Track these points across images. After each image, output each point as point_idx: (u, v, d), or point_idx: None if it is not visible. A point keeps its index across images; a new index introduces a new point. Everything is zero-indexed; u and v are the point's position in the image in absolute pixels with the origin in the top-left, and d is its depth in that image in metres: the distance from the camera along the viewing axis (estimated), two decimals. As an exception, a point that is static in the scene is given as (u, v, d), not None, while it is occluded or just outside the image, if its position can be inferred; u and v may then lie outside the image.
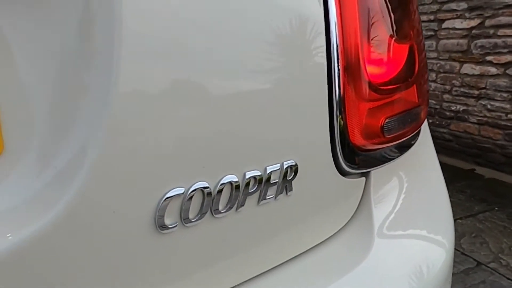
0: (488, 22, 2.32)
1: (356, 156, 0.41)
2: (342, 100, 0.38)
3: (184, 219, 0.29)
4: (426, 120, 0.55)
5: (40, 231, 0.24)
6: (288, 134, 0.34)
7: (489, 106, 2.38)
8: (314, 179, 0.37)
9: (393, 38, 0.42)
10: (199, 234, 0.31)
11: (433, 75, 2.73)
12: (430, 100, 2.77)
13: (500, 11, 2.24)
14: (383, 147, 0.43)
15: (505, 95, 2.28)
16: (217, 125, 0.30)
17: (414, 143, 0.49)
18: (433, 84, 2.75)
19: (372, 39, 0.40)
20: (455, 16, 2.51)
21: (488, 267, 1.43)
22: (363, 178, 0.44)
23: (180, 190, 0.29)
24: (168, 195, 0.28)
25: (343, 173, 0.40)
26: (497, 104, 2.33)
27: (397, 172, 0.50)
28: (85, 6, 0.25)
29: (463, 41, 2.48)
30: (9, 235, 0.24)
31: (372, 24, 0.40)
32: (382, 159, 0.44)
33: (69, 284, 0.26)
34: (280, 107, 0.33)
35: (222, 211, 0.31)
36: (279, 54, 0.33)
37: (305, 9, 0.35)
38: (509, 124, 2.27)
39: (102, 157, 0.25)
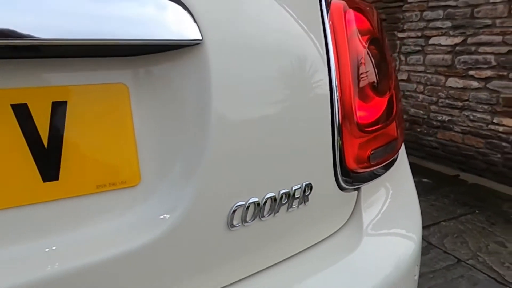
0: (470, 40, 2.52)
1: (350, 176, 0.58)
2: (341, 138, 0.56)
3: (244, 221, 0.47)
4: (403, 144, 0.73)
5: (163, 233, 0.42)
6: (308, 164, 0.52)
7: (471, 117, 2.58)
8: (322, 193, 0.55)
9: (376, 93, 0.60)
10: (251, 231, 0.48)
11: (421, 87, 2.93)
12: (418, 111, 2.97)
13: (481, 30, 2.45)
14: (370, 170, 0.61)
15: (485, 107, 2.48)
16: (265, 162, 0.47)
17: (393, 164, 0.67)
18: (421, 96, 2.95)
19: (361, 94, 0.58)
20: (440, 34, 2.72)
21: (467, 263, 1.61)
22: (356, 192, 0.62)
23: (242, 203, 0.46)
24: (236, 205, 0.45)
25: (341, 188, 0.58)
26: (478, 115, 2.53)
27: (380, 185, 0.67)
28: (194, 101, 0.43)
29: (448, 57, 2.68)
30: (144, 236, 0.41)
31: (361, 83, 0.58)
32: (369, 178, 0.62)
33: (179, 271, 0.43)
34: (302, 147, 0.51)
35: (266, 216, 0.49)
36: (299, 114, 0.50)
37: (318, 79, 0.52)
38: (489, 134, 2.47)
39: (201, 188, 0.43)
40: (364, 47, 0.58)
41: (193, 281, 0.45)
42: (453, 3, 2.60)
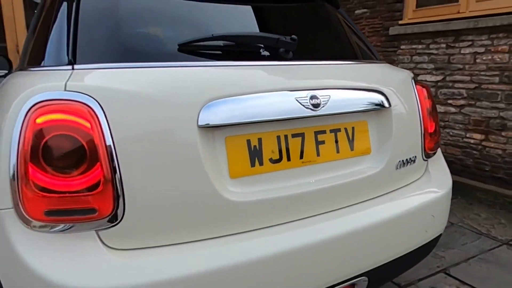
0: (448, 78, 3.54)
1: (426, 155, 1.49)
2: (424, 140, 1.46)
3: (397, 168, 1.37)
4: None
5: (378, 171, 1.31)
6: (414, 150, 1.42)
7: (451, 133, 3.57)
8: (418, 160, 1.45)
9: (433, 122, 1.51)
10: (400, 172, 1.38)
11: (413, 111, 3.93)
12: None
13: (455, 71, 3.47)
14: (433, 152, 1.52)
15: (461, 126, 3.48)
16: (407, 145, 1.38)
17: (437, 151, 1.58)
18: (412, 118, 3.94)
19: (429, 123, 1.49)
20: (426, 73, 3.73)
21: (457, 224, 2.54)
22: (427, 161, 1.53)
23: (401, 159, 1.36)
24: (399, 161, 1.35)
25: (423, 159, 1.48)
26: (456, 131, 3.52)
27: (435, 159, 1.58)
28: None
29: (432, 90, 3.69)
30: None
31: (429, 120, 1.49)
32: (432, 155, 1.53)
33: (376, 187, 1.33)
34: (416, 142, 1.42)
35: (405, 166, 1.39)
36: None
37: (415, 118, 1.44)
38: (464, 145, 3.46)
39: (391, 155, 1.32)
40: (430, 105, 1.50)
41: (376, 191, 1.34)
42: (435, 52, 3.63)
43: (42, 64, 1.12)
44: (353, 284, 1.24)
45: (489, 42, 3.19)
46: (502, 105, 3.14)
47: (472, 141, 3.39)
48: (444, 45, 3.54)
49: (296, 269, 1.06)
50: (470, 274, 1.97)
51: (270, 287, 1.02)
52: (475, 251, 2.21)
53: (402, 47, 3.93)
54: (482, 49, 3.24)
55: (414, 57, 3.83)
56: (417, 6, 3.84)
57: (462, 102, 3.44)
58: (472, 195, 3.08)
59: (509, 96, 3.08)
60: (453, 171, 3.70)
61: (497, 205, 2.88)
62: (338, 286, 1.18)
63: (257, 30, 1.30)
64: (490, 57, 3.19)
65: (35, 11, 1.67)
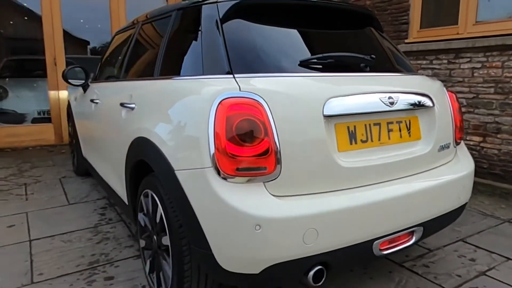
0: (450, 90, 4.11)
1: (456, 143, 2.01)
2: (454, 131, 1.98)
3: (439, 151, 1.88)
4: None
5: (425, 153, 1.82)
6: (448, 137, 1.95)
7: (453, 136, 4.13)
8: (451, 146, 1.97)
9: (460, 117, 2.04)
10: (439, 154, 1.90)
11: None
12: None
13: (456, 84, 4.05)
14: (460, 140, 2.05)
15: (461, 130, 4.04)
16: (444, 133, 1.91)
17: (462, 139, 2.11)
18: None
19: (459, 119, 2.02)
20: (430, 85, 4.30)
21: (466, 209, 3.07)
22: (456, 148, 2.05)
23: (442, 144, 1.88)
24: (440, 146, 1.87)
25: (454, 146, 2.00)
26: (457, 135, 4.09)
27: (461, 146, 2.11)
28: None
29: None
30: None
31: (458, 116, 2.02)
32: (459, 143, 2.05)
33: (425, 163, 1.85)
34: (450, 132, 1.94)
35: (443, 149, 1.91)
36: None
37: (449, 115, 1.97)
38: (465, 146, 4.02)
39: (435, 141, 1.85)
40: (457, 106, 2.03)
41: (426, 166, 1.85)
42: (438, 67, 4.21)
43: (201, 74, 1.61)
44: (412, 232, 1.74)
45: (484, 59, 3.78)
46: (497, 112, 3.72)
47: (471, 143, 3.96)
48: (445, 61, 4.13)
49: (390, 213, 1.56)
50: (482, 242, 2.49)
51: (370, 223, 1.52)
52: (484, 226, 2.74)
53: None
54: (479, 65, 3.84)
55: (419, 71, 4.40)
56: (421, 27, 4.44)
57: (462, 110, 4.01)
58: (474, 188, 3.60)
59: (503, 104, 3.66)
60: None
61: (496, 195, 3.43)
62: (404, 232, 1.67)
63: (342, 50, 1.81)
64: (486, 72, 3.78)
65: (155, 32, 2.16)
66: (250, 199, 1.36)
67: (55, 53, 5.32)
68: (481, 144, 3.88)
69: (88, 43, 6.79)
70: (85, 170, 3.78)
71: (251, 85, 1.45)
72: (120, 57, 2.65)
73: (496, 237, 2.57)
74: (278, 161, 1.39)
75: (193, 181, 1.42)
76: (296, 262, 1.39)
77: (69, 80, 3.10)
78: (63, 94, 5.47)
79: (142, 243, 1.96)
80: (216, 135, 1.37)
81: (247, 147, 1.37)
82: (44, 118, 5.89)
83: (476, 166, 3.73)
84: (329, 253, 1.45)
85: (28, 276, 2.07)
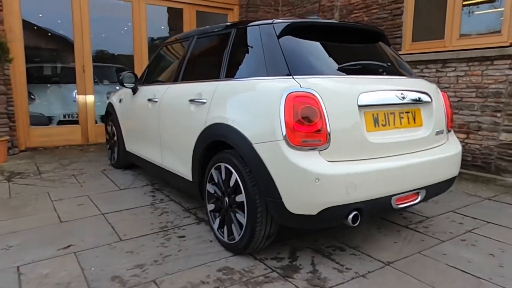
0: (438, 94, 4.80)
1: (448, 130, 2.66)
2: (446, 121, 2.63)
3: (436, 134, 2.52)
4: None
5: (426, 135, 2.46)
6: (441, 125, 2.59)
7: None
8: (444, 132, 2.61)
9: (451, 112, 2.69)
10: (436, 137, 2.53)
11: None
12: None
13: (443, 89, 4.74)
14: (451, 129, 2.69)
15: (448, 128, 4.72)
16: (439, 123, 2.55)
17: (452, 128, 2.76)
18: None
19: (450, 113, 2.66)
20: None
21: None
22: (447, 135, 2.69)
23: (438, 130, 2.51)
24: (436, 132, 2.51)
25: (447, 132, 2.65)
26: (445, 133, 4.77)
27: (450, 134, 2.75)
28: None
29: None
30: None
31: (450, 111, 2.66)
32: (450, 131, 2.70)
33: (426, 143, 2.49)
34: (443, 122, 2.59)
35: (439, 134, 2.54)
36: (442, 115, 2.60)
37: (442, 111, 2.62)
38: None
39: (432, 129, 2.49)
40: (448, 102, 2.68)
41: (428, 145, 2.48)
42: (427, 74, 4.90)
43: (265, 75, 2.22)
44: (418, 193, 2.35)
45: (467, 68, 4.49)
46: (478, 113, 4.42)
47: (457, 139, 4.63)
48: (434, 70, 4.83)
49: (402, 177, 2.18)
50: (468, 212, 3.14)
51: (394, 183, 2.13)
52: (469, 202, 3.39)
53: (402, 71, 5.19)
54: (462, 73, 4.54)
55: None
56: (412, 41, 5.14)
57: (449, 111, 4.70)
58: (460, 177, 4.28)
59: (483, 106, 4.36)
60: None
61: (478, 182, 4.10)
62: (412, 192, 2.29)
63: (364, 59, 2.44)
64: (468, 79, 4.48)
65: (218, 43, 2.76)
66: (311, 162, 1.97)
67: (83, 61, 5.86)
68: (465, 140, 4.57)
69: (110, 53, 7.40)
70: (125, 163, 4.32)
71: (308, 83, 2.06)
72: (175, 64, 3.24)
73: (479, 209, 3.22)
74: (328, 135, 2.00)
75: (269, 151, 2.02)
76: (341, 207, 2.00)
77: (125, 84, 3.66)
78: (90, 98, 6.00)
79: (210, 207, 2.54)
80: (286, 117, 1.97)
81: (308, 125, 1.98)
82: (68, 120, 6.38)
83: (461, 158, 4.41)
84: (362, 202, 2.05)
85: (115, 236, 2.62)
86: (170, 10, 7.11)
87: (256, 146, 2.08)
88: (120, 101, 4.22)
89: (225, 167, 2.33)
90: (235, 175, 2.24)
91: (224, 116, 2.34)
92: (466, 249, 2.46)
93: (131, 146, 4.01)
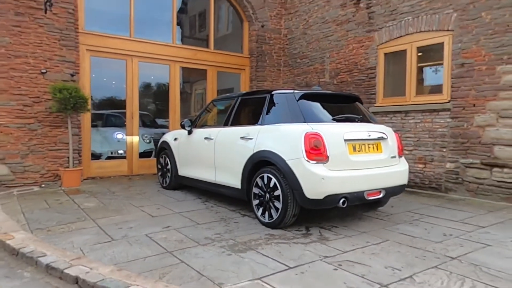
0: (403, 136, 6.56)
1: (399, 156, 4.35)
2: (398, 149, 4.32)
3: (397, 157, 4.20)
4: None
5: (387, 157, 4.14)
6: (394, 152, 4.28)
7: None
8: (397, 157, 4.29)
9: (401, 147, 4.39)
10: (396, 160, 4.21)
11: (385, 154, 6.89)
12: (384, 164, 6.90)
13: (407, 132, 6.50)
14: (402, 155, 4.38)
15: (411, 161, 6.42)
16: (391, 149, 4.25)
17: (402, 156, 4.45)
18: (385, 158, 6.89)
19: (400, 147, 4.36)
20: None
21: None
22: (399, 158, 4.38)
23: (406, 153, 4.20)
24: (390, 156, 4.20)
25: (398, 157, 4.33)
26: (410, 164, 6.47)
27: (401, 158, 4.43)
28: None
29: (395, 142, 6.69)
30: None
31: (399, 145, 4.36)
32: (400, 156, 4.38)
33: (386, 163, 4.17)
34: (394, 150, 4.28)
35: (395, 157, 4.23)
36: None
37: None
38: (414, 171, 6.38)
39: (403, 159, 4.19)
40: (399, 139, 4.39)
41: (386, 164, 4.15)
42: (395, 121, 6.67)
43: (290, 122, 3.93)
44: (380, 191, 3.99)
45: (422, 117, 6.28)
46: (431, 149, 6.15)
47: (418, 168, 6.33)
48: (399, 118, 6.61)
49: (370, 180, 3.84)
50: (420, 211, 4.75)
51: (366, 184, 3.79)
52: (421, 207, 5.02)
53: (377, 118, 6.97)
54: (419, 120, 6.32)
55: (382, 123, 6.85)
56: (384, 96, 6.98)
57: (411, 148, 6.44)
58: (419, 195, 5.96)
59: (434, 144, 6.11)
60: (409, 186, 6.62)
61: (432, 197, 5.75)
62: (376, 190, 3.93)
63: (348, 113, 4.18)
64: (423, 125, 6.26)
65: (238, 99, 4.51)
66: (319, 169, 3.62)
67: (132, 110, 7.56)
68: (423, 169, 6.27)
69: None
70: (175, 185, 5.91)
71: (316, 127, 3.76)
72: (224, 114, 4.96)
73: (426, 210, 4.85)
74: (328, 156, 3.67)
75: (296, 164, 3.67)
76: (336, 195, 3.63)
77: (186, 128, 5.35)
78: (136, 138, 7.63)
79: (255, 202, 4.13)
80: (305, 146, 3.64)
81: (317, 150, 3.65)
82: (114, 156, 7.96)
83: (421, 183, 6.11)
84: (348, 193, 3.68)
85: (194, 222, 4.17)
86: (193, 70, 8.93)
87: (288, 162, 3.73)
88: (175, 139, 5.88)
89: (267, 176, 3.95)
90: (274, 180, 3.86)
91: (266, 145, 4.00)
92: (411, 227, 4.07)
93: (184, 171, 5.62)
